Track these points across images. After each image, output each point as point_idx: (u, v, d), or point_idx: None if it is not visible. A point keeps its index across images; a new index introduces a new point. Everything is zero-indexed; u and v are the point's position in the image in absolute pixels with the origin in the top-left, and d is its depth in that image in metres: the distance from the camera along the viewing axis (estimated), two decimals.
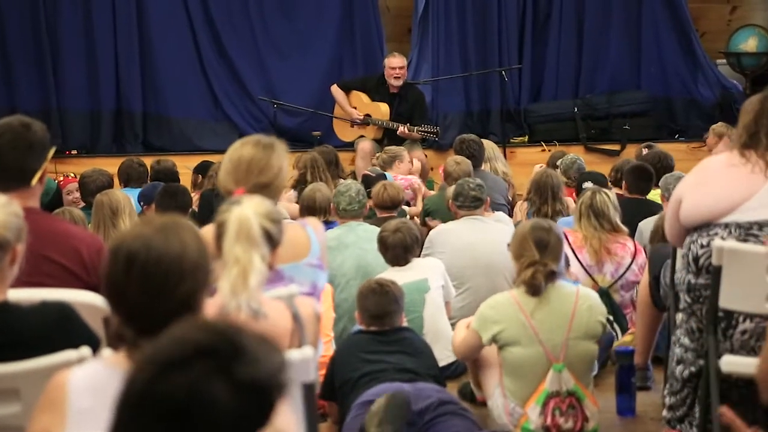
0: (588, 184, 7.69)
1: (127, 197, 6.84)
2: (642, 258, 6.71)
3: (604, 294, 6.53)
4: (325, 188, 7.37)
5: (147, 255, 2.53)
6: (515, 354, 5.11)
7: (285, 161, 4.08)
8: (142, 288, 2.51)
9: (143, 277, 2.52)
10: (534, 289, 5.09)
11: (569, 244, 6.68)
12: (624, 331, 6.60)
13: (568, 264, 6.21)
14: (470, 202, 7.08)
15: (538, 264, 5.08)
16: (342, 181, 8.30)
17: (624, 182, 7.96)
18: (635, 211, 7.51)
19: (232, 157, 4.04)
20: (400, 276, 5.87)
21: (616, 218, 6.75)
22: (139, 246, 2.54)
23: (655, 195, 8.20)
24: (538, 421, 5.03)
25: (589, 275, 6.64)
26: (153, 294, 2.51)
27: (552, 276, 5.11)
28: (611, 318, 6.50)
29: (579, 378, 5.10)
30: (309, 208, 7.05)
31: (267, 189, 3.91)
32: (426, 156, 11.20)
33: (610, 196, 6.81)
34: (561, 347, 5.08)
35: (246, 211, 3.38)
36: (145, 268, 2.52)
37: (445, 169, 8.66)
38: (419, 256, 6.47)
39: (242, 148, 4.04)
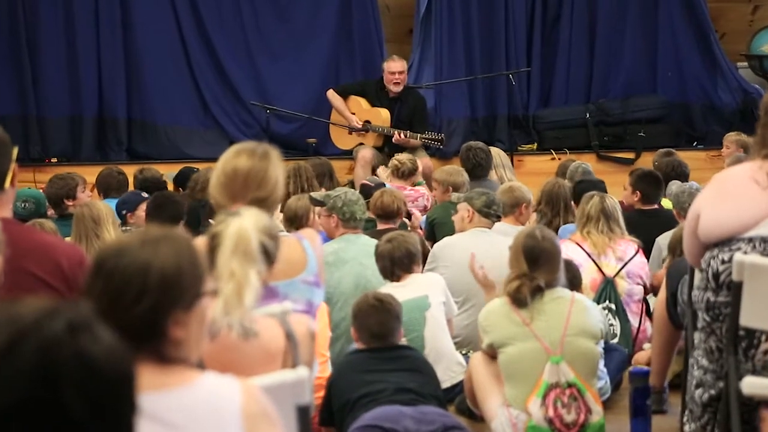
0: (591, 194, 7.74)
1: (109, 207, 6.87)
2: (644, 259, 7.02)
3: (609, 284, 6.73)
4: (306, 198, 7.38)
5: (115, 263, 2.51)
6: (511, 353, 5.27)
7: (281, 171, 4.04)
8: (101, 297, 2.47)
9: (104, 285, 2.50)
10: (518, 303, 5.29)
11: (570, 239, 7.02)
12: (624, 328, 6.74)
13: (578, 283, 6.27)
14: (501, 211, 7.15)
15: (525, 277, 5.28)
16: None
17: (638, 192, 7.97)
18: (650, 223, 7.54)
19: (225, 169, 3.98)
20: (397, 293, 5.88)
21: (622, 224, 7.04)
22: (111, 253, 2.54)
23: (667, 203, 8.23)
24: (540, 413, 5.14)
25: (594, 262, 6.78)
26: (108, 305, 2.45)
27: (539, 290, 5.29)
28: (613, 308, 6.67)
29: (580, 375, 5.20)
30: (289, 220, 7.01)
31: (264, 203, 3.87)
32: (431, 164, 11.21)
33: (616, 201, 7.12)
34: (559, 343, 5.24)
35: (245, 224, 3.37)
36: (109, 277, 2.50)
37: (445, 181, 8.67)
38: (415, 272, 6.42)
39: (237, 159, 3.98)
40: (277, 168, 4.00)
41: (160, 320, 2.52)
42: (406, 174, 9.68)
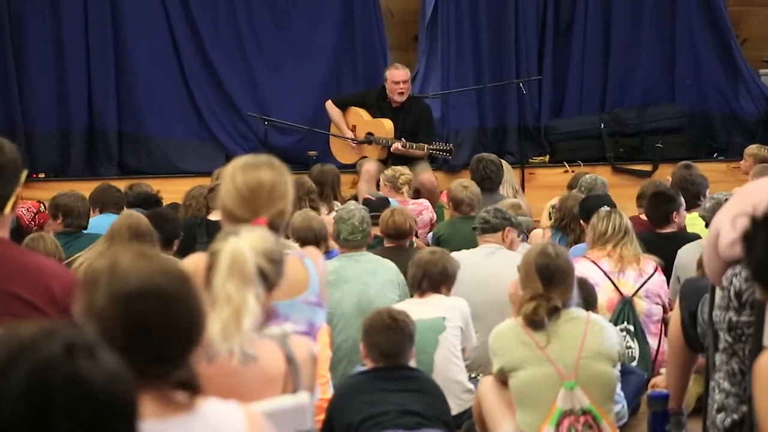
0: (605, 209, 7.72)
1: (58, 246, 6.92)
2: (663, 277, 7.04)
3: (627, 304, 6.73)
4: (318, 217, 7.37)
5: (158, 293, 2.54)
6: (523, 378, 5.28)
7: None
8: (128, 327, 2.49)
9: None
10: (534, 325, 5.26)
11: (586, 257, 7.04)
12: (643, 351, 6.74)
13: (593, 302, 6.27)
14: (479, 224, 7.14)
15: (541, 298, 5.25)
16: (339, 205, 8.31)
17: (645, 213, 8.01)
18: (665, 246, 7.53)
19: (248, 182, 3.97)
20: (415, 309, 5.89)
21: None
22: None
23: (693, 219, 8.21)
24: None
25: (611, 281, 6.78)
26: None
27: (556, 311, 5.28)
28: (632, 329, 6.67)
29: (595, 402, 5.20)
30: (304, 240, 7.02)
31: (284, 215, 3.94)
32: (436, 178, 11.21)
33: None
34: (573, 367, 5.23)
35: (242, 245, 3.36)
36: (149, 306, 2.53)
37: (453, 197, 8.65)
38: (441, 294, 6.40)
39: (258, 172, 3.98)
40: (291, 181, 4.06)
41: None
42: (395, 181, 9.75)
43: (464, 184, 8.68)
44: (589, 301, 6.09)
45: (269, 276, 3.42)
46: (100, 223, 8.44)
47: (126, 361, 2.44)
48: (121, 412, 1.89)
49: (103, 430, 1.85)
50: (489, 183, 9.35)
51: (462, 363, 6.29)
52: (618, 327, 6.58)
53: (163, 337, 2.51)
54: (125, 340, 2.46)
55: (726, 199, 7.24)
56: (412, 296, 6.51)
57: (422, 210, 9.68)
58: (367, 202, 8.69)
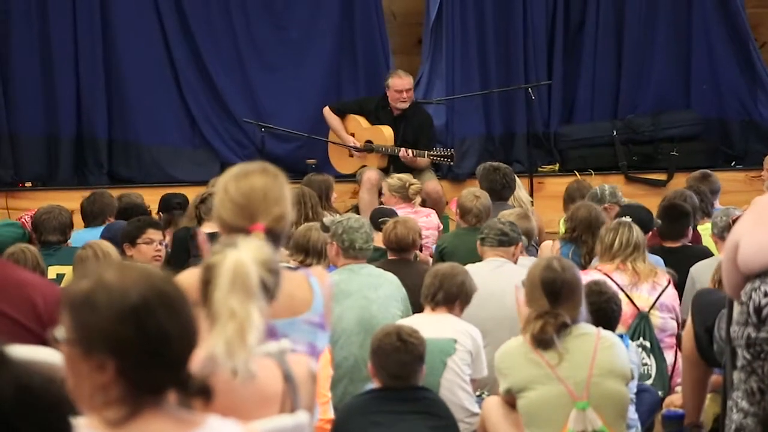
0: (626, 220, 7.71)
1: (40, 259, 6.95)
2: (675, 291, 7.06)
3: (644, 319, 6.74)
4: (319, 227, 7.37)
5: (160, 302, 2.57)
6: (532, 398, 5.25)
7: (290, 192, 4.10)
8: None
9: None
10: (543, 344, 5.22)
11: (597, 269, 7.02)
12: (660, 368, 6.73)
13: (618, 316, 6.26)
14: (494, 235, 7.12)
15: (548, 315, 5.22)
16: (328, 216, 8.30)
17: (655, 227, 8.02)
18: (672, 262, 7.53)
19: (241, 189, 3.97)
20: (426, 328, 5.89)
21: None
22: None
23: (706, 230, 8.22)
24: None
25: (625, 294, 6.77)
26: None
27: (565, 328, 5.24)
28: (648, 345, 6.67)
29: (608, 423, 5.18)
30: (300, 249, 7.03)
31: (283, 221, 3.92)
32: (442, 187, 11.21)
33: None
34: (584, 385, 5.20)
35: (243, 256, 3.34)
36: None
37: (461, 204, 8.63)
38: (454, 314, 6.36)
39: (250, 179, 3.98)
40: (287, 187, 4.04)
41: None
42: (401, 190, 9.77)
43: (476, 194, 8.62)
44: (614, 317, 6.09)
45: (270, 288, 3.41)
46: (84, 237, 8.51)
47: (145, 377, 2.49)
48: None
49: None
50: (502, 193, 9.32)
51: (470, 388, 6.23)
52: (634, 342, 6.56)
53: (181, 341, 2.56)
54: (146, 354, 2.51)
55: (737, 213, 7.27)
56: (422, 309, 6.47)
57: (429, 213, 9.71)
58: (375, 213, 8.72)
